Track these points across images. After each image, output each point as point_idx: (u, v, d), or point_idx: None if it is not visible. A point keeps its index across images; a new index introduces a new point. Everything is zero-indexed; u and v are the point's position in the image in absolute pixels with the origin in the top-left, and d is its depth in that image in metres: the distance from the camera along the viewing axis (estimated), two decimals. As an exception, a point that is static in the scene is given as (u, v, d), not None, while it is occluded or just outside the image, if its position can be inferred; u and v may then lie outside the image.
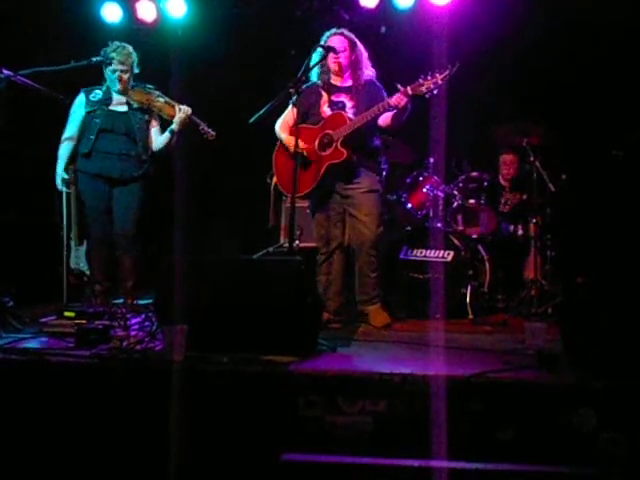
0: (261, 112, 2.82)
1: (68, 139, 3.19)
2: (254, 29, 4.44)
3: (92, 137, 3.12)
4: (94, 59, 3.05)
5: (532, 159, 3.61)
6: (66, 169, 3.17)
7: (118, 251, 3.22)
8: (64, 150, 3.18)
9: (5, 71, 2.84)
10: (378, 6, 4.22)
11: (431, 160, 3.86)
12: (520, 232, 3.77)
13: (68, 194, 3.17)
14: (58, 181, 3.17)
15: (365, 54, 3.08)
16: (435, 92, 2.76)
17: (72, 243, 3.16)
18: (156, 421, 2.00)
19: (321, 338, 2.47)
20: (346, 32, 3.03)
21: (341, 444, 2.01)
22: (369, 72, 3.08)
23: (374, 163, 3.13)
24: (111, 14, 4.38)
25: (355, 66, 3.03)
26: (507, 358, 2.29)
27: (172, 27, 4.35)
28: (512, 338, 2.69)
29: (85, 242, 3.22)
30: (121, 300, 3.21)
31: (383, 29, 4.42)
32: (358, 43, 3.04)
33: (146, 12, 4.35)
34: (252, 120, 2.85)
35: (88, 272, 3.18)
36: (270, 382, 2.09)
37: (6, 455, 2.10)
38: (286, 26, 4.44)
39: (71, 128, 3.19)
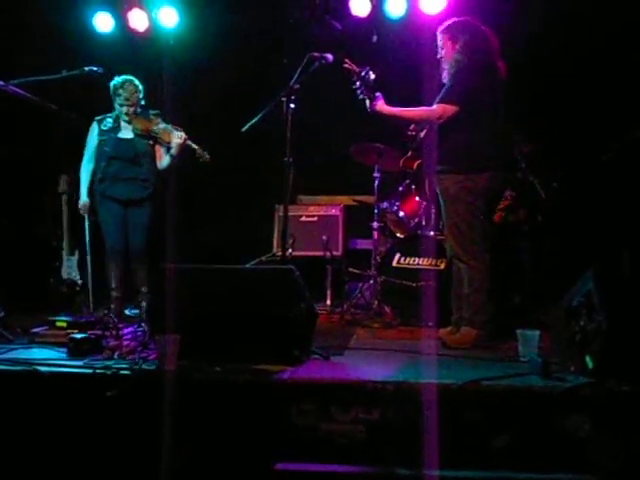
0: (253, 120, 2.84)
1: (86, 164, 3.54)
2: (245, 38, 4.47)
3: (103, 164, 3.46)
4: (86, 69, 3.08)
5: (523, 166, 3.63)
6: (87, 194, 3.51)
7: (133, 264, 3.49)
8: (84, 176, 3.52)
9: (-3, 81, 2.85)
10: (370, 15, 4.26)
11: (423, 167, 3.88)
12: (513, 238, 3.77)
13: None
14: (80, 205, 3.51)
15: None
16: (356, 80, 2.85)
17: (64, 253, 3.25)
18: (148, 431, 1.99)
19: (314, 347, 2.46)
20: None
21: (334, 453, 2.00)
22: None
23: None
24: (103, 23, 4.39)
25: None
26: (500, 366, 2.30)
27: (164, 36, 4.37)
28: (505, 346, 2.68)
29: (77, 252, 3.31)
30: (136, 311, 3.36)
31: (375, 38, 4.45)
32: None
33: (138, 21, 4.37)
34: (245, 129, 2.86)
35: (80, 282, 3.24)
36: (263, 391, 2.08)
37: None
38: (278, 35, 4.47)
39: (88, 154, 3.53)
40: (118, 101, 3.45)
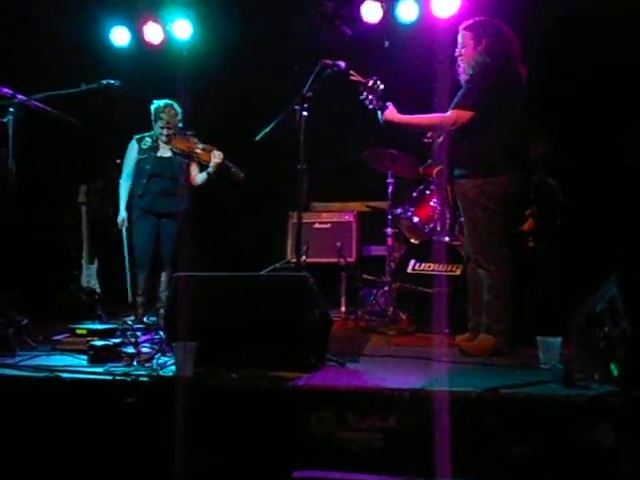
0: (267, 129, 2.85)
1: (126, 180, 3.76)
2: (258, 48, 4.51)
3: (144, 181, 3.69)
4: (104, 82, 3.16)
5: (540, 168, 3.58)
6: (126, 208, 3.74)
7: (162, 270, 3.71)
8: (123, 191, 3.75)
9: (19, 96, 2.93)
10: (381, 21, 4.26)
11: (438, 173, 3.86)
12: (530, 244, 3.71)
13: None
14: (119, 219, 3.72)
15: None
16: (363, 91, 2.85)
17: (83, 262, 3.35)
18: (165, 438, 2.00)
19: (330, 353, 2.46)
20: None
21: (351, 460, 1.98)
22: None
23: None
24: (120, 37, 4.50)
25: None
26: (520, 373, 2.25)
27: (178, 48, 4.45)
28: (525, 353, 2.64)
29: (96, 261, 3.42)
30: (153, 318, 3.46)
31: (387, 43, 4.44)
32: None
33: (153, 35, 4.47)
34: (258, 137, 2.87)
35: (99, 290, 3.33)
36: (279, 398, 2.08)
37: (20, 471, 2.11)
38: (290, 43, 4.50)
39: (127, 171, 3.77)
40: (159, 123, 3.69)
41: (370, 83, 2.84)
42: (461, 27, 2.84)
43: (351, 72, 2.87)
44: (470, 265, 2.90)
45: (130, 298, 3.64)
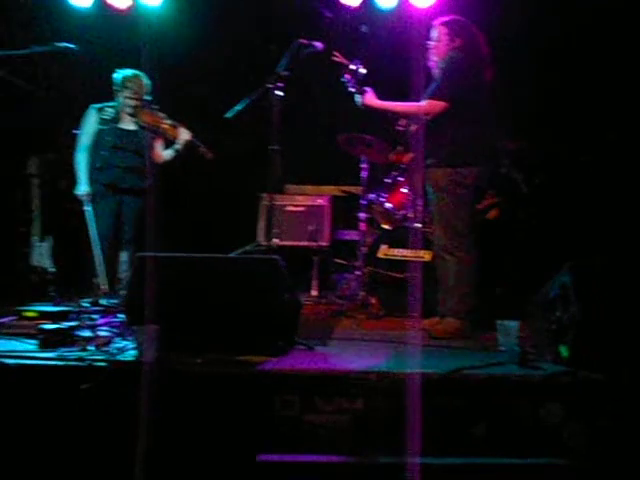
0: (238, 107, 2.79)
1: (83, 152, 3.50)
2: (233, 24, 4.38)
3: (105, 153, 3.46)
4: (60, 45, 2.98)
5: (507, 162, 3.66)
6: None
7: (121, 250, 3.53)
8: (82, 163, 3.49)
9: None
10: (360, 5, 4.21)
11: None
12: (494, 233, 3.79)
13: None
14: (81, 192, 3.46)
15: None
16: (345, 73, 2.87)
17: (33, 239, 3.13)
18: (126, 425, 1.95)
19: (299, 337, 2.44)
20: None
21: (319, 443, 1.99)
22: None
23: None
24: (81, -1, 4.21)
25: None
26: (481, 355, 2.34)
27: (147, 15, 4.21)
28: (487, 336, 2.70)
29: (49, 238, 3.19)
30: (113, 300, 3.27)
31: (364, 28, 4.41)
32: None
33: (119, -2, 4.20)
34: (229, 115, 2.81)
35: (52, 269, 3.13)
36: (246, 382, 2.06)
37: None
38: (266, 21, 4.39)
39: (84, 142, 3.50)
40: (125, 93, 3.45)
41: (352, 66, 2.86)
42: (436, 22, 2.95)
43: (335, 53, 2.88)
44: (437, 252, 2.96)
45: (97, 280, 3.46)
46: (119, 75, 3.50)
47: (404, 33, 3.84)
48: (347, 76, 2.86)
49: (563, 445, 1.99)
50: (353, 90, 2.88)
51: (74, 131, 3.58)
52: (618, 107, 3.89)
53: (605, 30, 3.89)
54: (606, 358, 2.07)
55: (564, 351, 2.16)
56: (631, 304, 2.18)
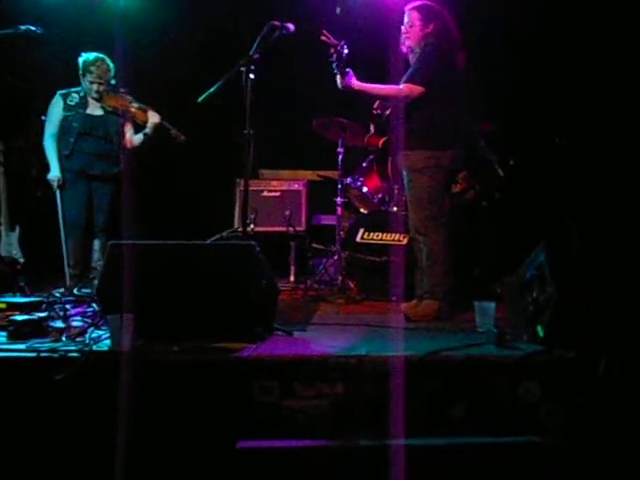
0: (210, 90, 2.73)
1: (51, 138, 3.47)
2: (204, 5, 4.28)
3: (72, 139, 3.42)
4: (22, 27, 2.90)
5: (482, 144, 3.69)
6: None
7: (92, 241, 3.49)
8: (51, 150, 3.46)
9: None
10: (334, -15, 4.15)
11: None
12: (470, 215, 3.84)
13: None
14: (52, 179, 3.43)
15: None
16: (333, 53, 2.85)
17: (1, 229, 3.09)
18: (103, 416, 1.91)
19: (277, 323, 2.43)
20: None
21: (299, 428, 1.99)
22: None
23: None
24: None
25: None
26: (459, 337, 2.36)
27: (116, -1, 4.10)
28: (464, 317, 2.75)
29: (17, 228, 3.16)
30: (86, 290, 3.25)
31: (338, 10, 4.35)
32: None
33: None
34: (201, 99, 2.75)
35: (22, 260, 3.10)
36: (224, 369, 2.04)
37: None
38: (239, 4, 4.30)
39: (51, 129, 3.47)
40: (89, 78, 3.41)
41: (339, 47, 2.84)
42: (408, 7, 2.96)
43: (323, 32, 2.84)
44: (412, 234, 3.00)
45: (67, 269, 3.40)
46: (81, 59, 3.44)
47: (379, 15, 3.81)
48: (334, 56, 2.84)
49: (540, 423, 2.02)
50: (336, 71, 2.86)
51: (42, 117, 3.50)
52: (592, 89, 3.94)
53: (579, 10, 3.92)
54: (582, 337, 2.10)
55: (540, 331, 2.19)
56: (606, 281, 2.21)
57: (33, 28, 2.89)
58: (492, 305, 2.44)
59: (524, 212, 3.74)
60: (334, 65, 2.85)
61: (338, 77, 2.86)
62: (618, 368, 2.04)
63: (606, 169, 3.81)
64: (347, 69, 2.85)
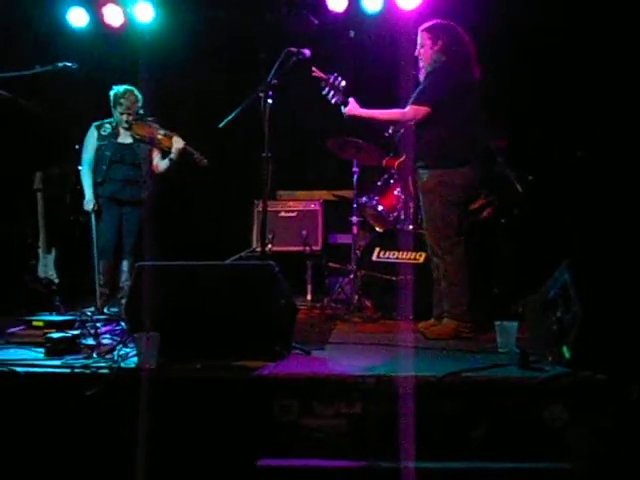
0: (230, 116, 2.81)
1: (87, 167, 3.70)
2: (223, 34, 4.43)
3: (104, 167, 3.65)
4: (60, 64, 3.06)
5: (500, 160, 3.69)
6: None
7: (123, 259, 3.66)
8: (87, 177, 3.68)
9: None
10: (347, 10, 4.26)
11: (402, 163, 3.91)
12: (489, 233, 3.81)
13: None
14: (88, 207, 3.64)
15: None
16: (325, 87, 2.90)
17: (40, 251, 3.23)
18: (129, 430, 1.96)
19: (295, 342, 2.46)
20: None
21: (317, 448, 2.00)
22: None
23: None
24: (77, 18, 4.32)
25: None
26: (479, 357, 2.33)
27: (140, 32, 4.30)
28: (485, 337, 2.72)
29: (53, 250, 3.31)
30: (115, 309, 3.36)
31: (352, 33, 4.46)
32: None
33: (113, 17, 4.31)
34: (222, 124, 2.83)
35: (57, 280, 3.23)
36: (244, 387, 2.07)
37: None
38: (255, 30, 4.43)
39: (87, 158, 3.70)
40: (119, 109, 3.64)
41: (331, 80, 2.91)
42: (420, 29, 2.99)
43: (313, 68, 2.92)
44: (429, 253, 3.01)
45: (99, 289, 3.53)
46: (112, 92, 3.66)
47: (391, 36, 3.89)
48: (327, 89, 2.90)
49: (566, 448, 1.95)
50: (336, 102, 2.91)
51: (76, 147, 3.71)
52: (612, 103, 3.86)
53: (596, 24, 3.89)
54: (609, 358, 2.02)
55: (566, 352, 2.11)
56: (632, 300, 2.13)
57: (69, 64, 3.05)
58: (514, 325, 2.39)
59: (544, 228, 3.69)
60: (330, 98, 2.89)
61: (342, 107, 2.90)
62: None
63: (630, 182, 3.71)
64: (349, 98, 2.89)
